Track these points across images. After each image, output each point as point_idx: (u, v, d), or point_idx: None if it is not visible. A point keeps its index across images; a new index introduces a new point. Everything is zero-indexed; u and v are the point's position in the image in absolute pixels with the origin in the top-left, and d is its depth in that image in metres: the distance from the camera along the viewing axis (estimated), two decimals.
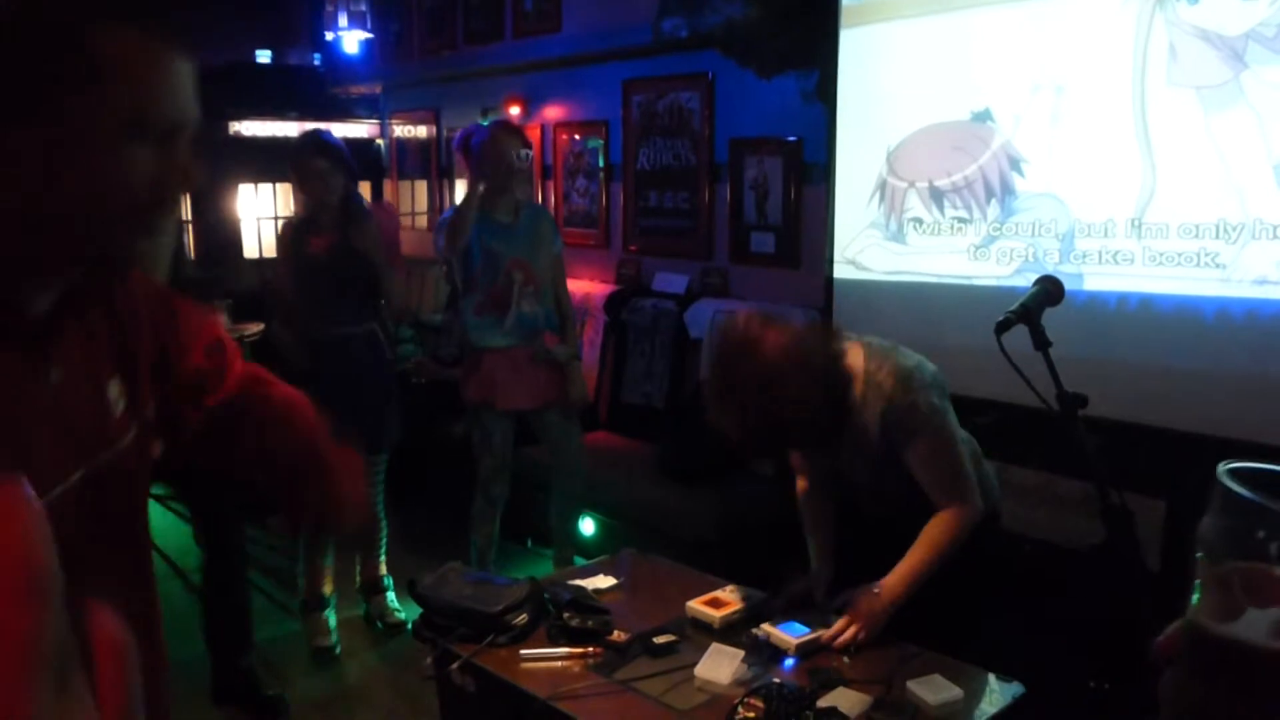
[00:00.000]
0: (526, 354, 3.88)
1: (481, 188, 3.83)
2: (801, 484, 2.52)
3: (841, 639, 2.19)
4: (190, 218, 7.17)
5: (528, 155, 3.88)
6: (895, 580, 2.23)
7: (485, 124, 4.18)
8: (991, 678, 2.11)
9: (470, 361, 3.94)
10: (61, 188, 0.91)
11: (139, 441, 1.10)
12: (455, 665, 2.21)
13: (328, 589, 3.93)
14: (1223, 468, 0.57)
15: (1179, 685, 0.58)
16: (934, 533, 2.23)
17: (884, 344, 2.29)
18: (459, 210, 3.85)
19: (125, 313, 1.11)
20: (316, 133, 4.02)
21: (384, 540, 4.15)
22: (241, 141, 6.86)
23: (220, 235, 7.03)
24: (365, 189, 7.60)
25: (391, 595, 4.12)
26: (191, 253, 6.95)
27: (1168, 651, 0.59)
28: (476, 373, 3.89)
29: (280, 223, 4.35)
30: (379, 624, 4.10)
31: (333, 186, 3.79)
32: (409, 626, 4.03)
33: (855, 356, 2.23)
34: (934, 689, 2.02)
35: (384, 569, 4.15)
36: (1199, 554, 0.57)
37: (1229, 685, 0.56)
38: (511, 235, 3.86)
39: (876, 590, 2.23)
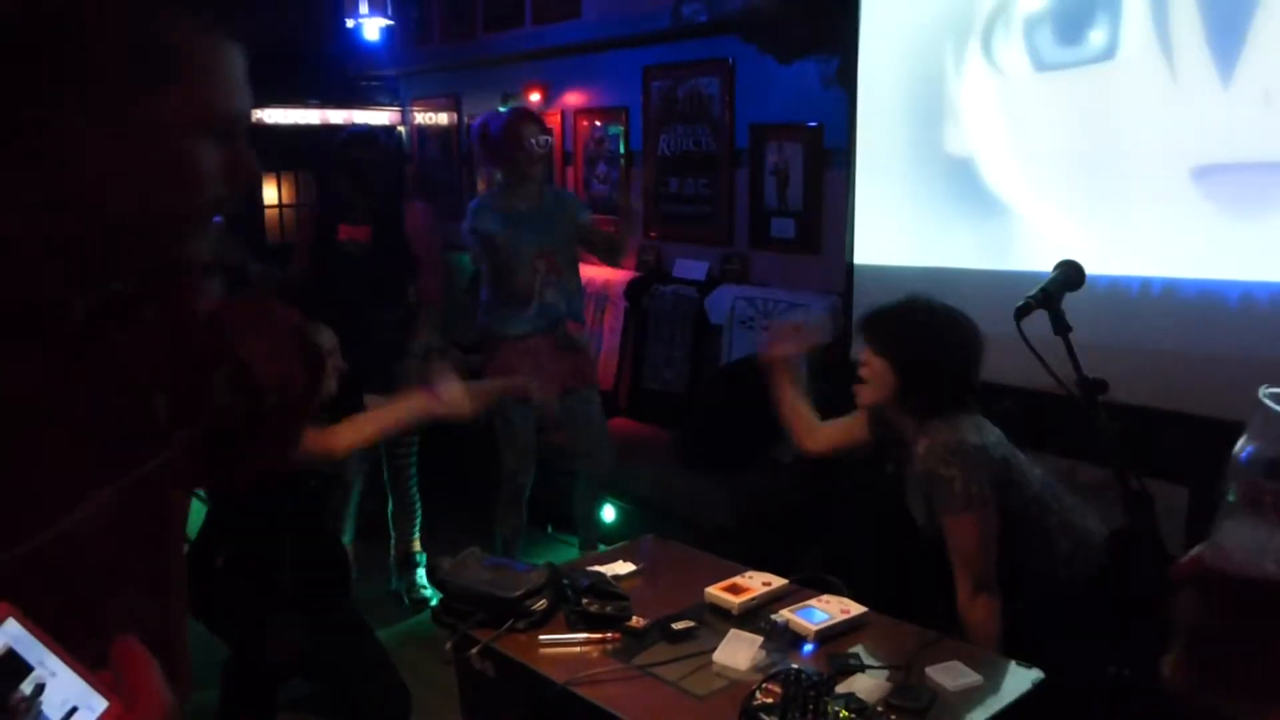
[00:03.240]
0: (547, 342, 3.88)
1: (500, 176, 3.84)
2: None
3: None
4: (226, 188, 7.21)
5: (546, 142, 3.87)
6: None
7: (503, 111, 4.18)
8: (1011, 664, 2.10)
9: (489, 350, 3.94)
10: (128, 186, 0.89)
11: (179, 460, 1.05)
12: (475, 650, 2.22)
13: None
14: (1265, 390, 0.56)
15: (1193, 609, 0.58)
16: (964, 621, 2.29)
17: (981, 420, 2.40)
18: None
19: (187, 322, 1.06)
20: (367, 128, 4.15)
21: (418, 518, 4.23)
22: (262, 129, 6.87)
23: (241, 222, 7.06)
24: None
25: (422, 572, 4.19)
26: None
27: (1186, 575, 0.59)
28: (495, 362, 3.90)
29: (301, 210, 4.37)
30: (406, 600, 4.17)
31: (375, 180, 3.87)
32: (433, 603, 4.09)
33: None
34: (953, 675, 2.02)
35: (418, 545, 4.22)
36: (1229, 482, 0.57)
37: (1241, 612, 0.55)
38: (533, 224, 3.84)
39: None
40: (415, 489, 4.21)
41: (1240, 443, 0.57)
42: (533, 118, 3.96)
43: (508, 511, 4.05)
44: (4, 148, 0.86)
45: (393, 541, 4.27)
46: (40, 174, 0.87)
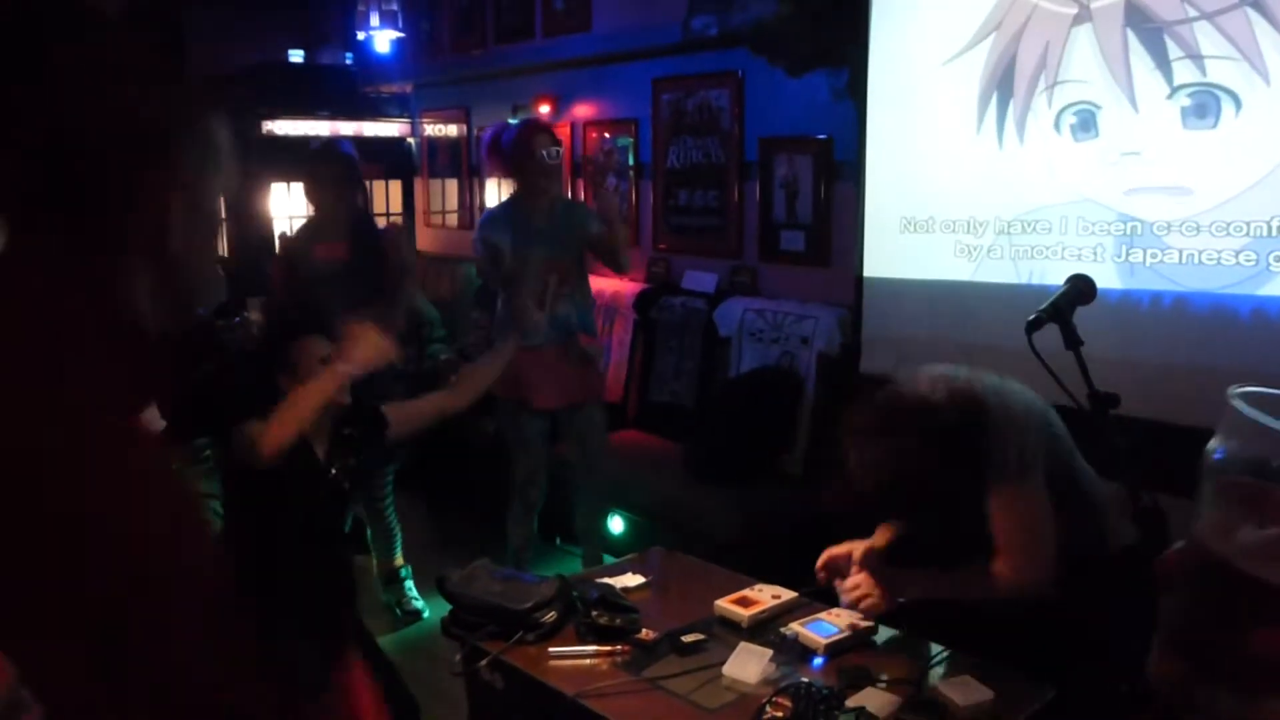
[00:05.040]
0: (558, 353, 3.88)
1: (513, 188, 3.84)
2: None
3: (851, 595, 2.23)
4: (223, 216, 7.23)
5: (557, 153, 3.88)
6: (921, 582, 2.23)
7: (514, 122, 4.18)
8: (1022, 680, 2.09)
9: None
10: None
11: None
12: (484, 662, 2.22)
13: None
14: (1233, 390, 0.57)
15: (1175, 603, 0.59)
16: (991, 581, 2.15)
17: (996, 381, 2.22)
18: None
19: None
20: (333, 140, 4.08)
21: (398, 537, 4.23)
22: (274, 140, 6.90)
23: (252, 233, 7.09)
24: (396, 188, 7.66)
25: (410, 584, 4.19)
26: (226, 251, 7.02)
27: (1167, 573, 0.60)
28: (507, 373, 3.90)
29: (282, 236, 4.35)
30: (398, 611, 4.17)
31: (344, 196, 3.83)
32: (425, 614, 4.10)
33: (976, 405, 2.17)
34: (964, 690, 2.01)
35: (400, 559, 4.22)
36: (1204, 480, 0.58)
37: (1218, 601, 0.56)
38: (545, 237, 3.84)
39: (916, 578, 2.24)
40: (393, 512, 4.21)
41: (1212, 442, 0.58)
42: (544, 129, 3.96)
43: (517, 524, 4.04)
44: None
45: (375, 561, 4.26)
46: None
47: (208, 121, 1.04)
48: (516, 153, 3.82)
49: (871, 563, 2.32)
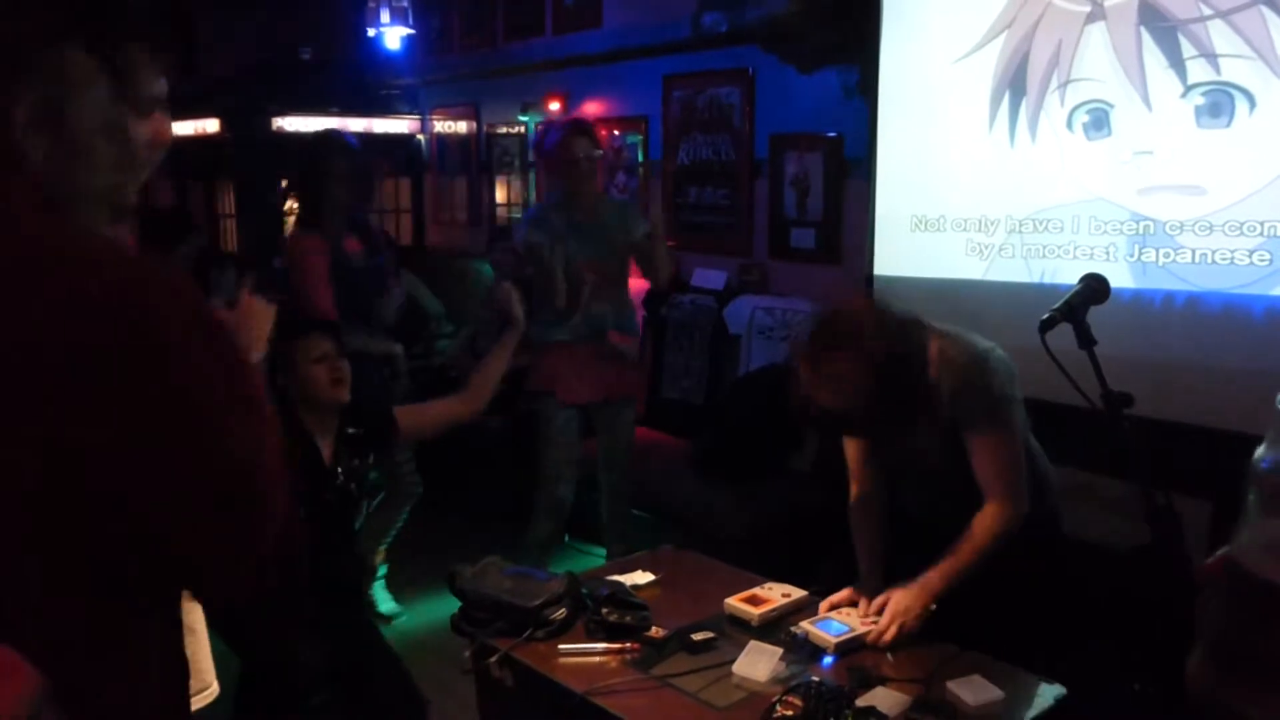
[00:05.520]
0: (591, 350, 3.88)
1: (556, 188, 3.88)
2: (855, 488, 2.49)
3: (885, 637, 2.19)
4: (234, 212, 7.25)
5: (596, 155, 3.86)
6: (935, 577, 2.22)
7: (557, 122, 4.17)
8: (1033, 679, 2.09)
9: (534, 355, 3.95)
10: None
11: None
12: (493, 659, 2.22)
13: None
14: None
15: (1213, 610, 0.58)
16: (977, 531, 2.22)
17: (954, 329, 2.29)
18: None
19: None
20: (340, 133, 4.01)
21: (391, 535, 4.13)
22: (283, 137, 6.91)
23: (262, 230, 7.11)
24: (405, 186, 7.67)
25: (379, 584, 4.15)
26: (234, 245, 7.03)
27: (1209, 576, 0.59)
28: (540, 366, 3.91)
29: (293, 225, 4.01)
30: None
31: (359, 191, 3.81)
32: (399, 617, 4.09)
33: (931, 340, 2.21)
34: (974, 690, 2.00)
35: (380, 556, 4.14)
36: (1250, 487, 0.57)
37: (1260, 612, 0.55)
38: (586, 236, 3.83)
39: (915, 587, 2.22)
40: (406, 511, 4.13)
41: (1260, 450, 0.58)
42: (585, 130, 3.92)
43: (544, 518, 3.99)
44: None
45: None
46: None
47: (60, 39, 1.08)
48: (556, 154, 3.83)
49: (884, 598, 2.29)
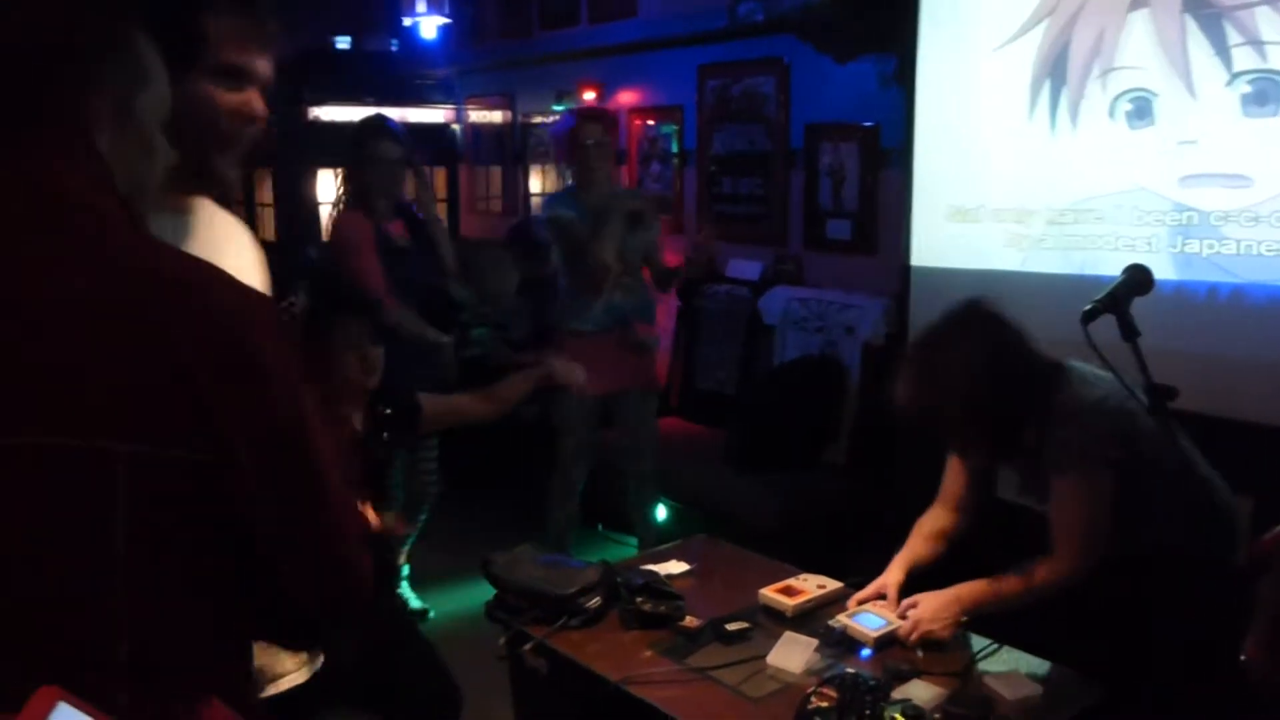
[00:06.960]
0: (609, 339, 3.90)
1: (570, 175, 3.90)
2: (937, 506, 2.44)
3: (910, 638, 2.17)
4: (272, 200, 7.29)
5: (600, 142, 3.88)
6: (971, 594, 2.18)
7: (568, 109, 4.22)
8: (1071, 676, 2.06)
9: (556, 343, 3.96)
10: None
11: None
12: (528, 647, 2.22)
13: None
14: None
15: (1273, 589, 0.57)
16: (1033, 573, 2.14)
17: (1085, 369, 2.21)
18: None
19: None
20: (385, 118, 4.02)
21: (412, 537, 4.09)
22: (320, 126, 6.94)
23: (298, 218, 7.15)
24: (441, 175, 7.68)
25: (404, 584, 4.14)
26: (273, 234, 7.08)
27: (1265, 554, 0.58)
28: (561, 354, 3.92)
29: (341, 208, 3.91)
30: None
31: (399, 175, 3.82)
32: (430, 614, 4.10)
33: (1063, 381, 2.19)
34: (1011, 685, 1.99)
35: (402, 556, 4.10)
36: None
37: None
38: (606, 221, 3.84)
39: (949, 596, 2.19)
40: (427, 510, 4.10)
41: None
42: (594, 117, 3.98)
43: (559, 503, 4.06)
44: None
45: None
46: None
47: (128, 34, 1.11)
48: (564, 140, 3.90)
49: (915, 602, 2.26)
